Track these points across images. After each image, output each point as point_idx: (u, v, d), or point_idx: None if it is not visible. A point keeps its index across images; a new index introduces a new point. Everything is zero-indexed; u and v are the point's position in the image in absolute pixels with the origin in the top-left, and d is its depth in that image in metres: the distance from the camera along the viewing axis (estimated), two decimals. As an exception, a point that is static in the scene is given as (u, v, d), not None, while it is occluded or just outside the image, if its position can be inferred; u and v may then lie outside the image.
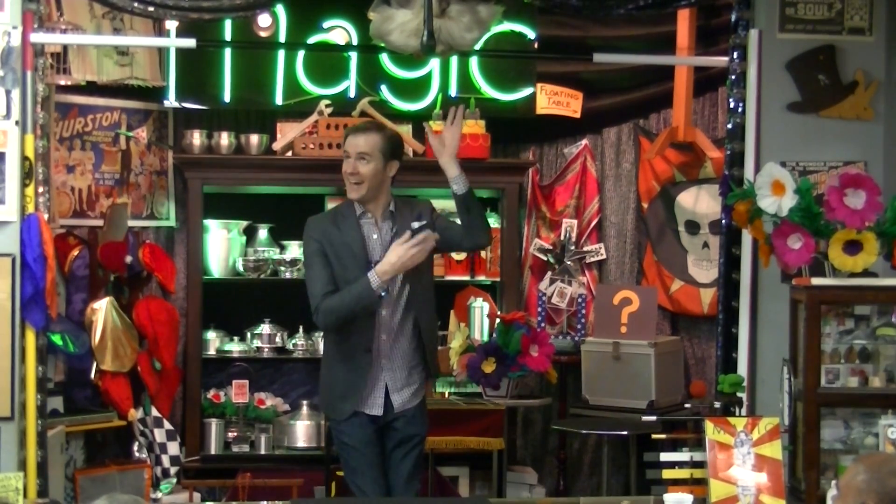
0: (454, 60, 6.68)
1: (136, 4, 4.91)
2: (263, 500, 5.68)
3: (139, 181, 6.59)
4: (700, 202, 6.84)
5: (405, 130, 6.68)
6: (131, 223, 6.40)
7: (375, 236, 4.72)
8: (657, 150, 6.70)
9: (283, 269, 6.70)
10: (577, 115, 6.92)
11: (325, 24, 6.57)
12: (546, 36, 6.73)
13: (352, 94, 6.65)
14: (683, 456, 4.26)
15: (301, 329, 6.68)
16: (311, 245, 4.72)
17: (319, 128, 6.52)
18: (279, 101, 6.63)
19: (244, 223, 6.74)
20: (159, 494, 6.05)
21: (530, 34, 6.70)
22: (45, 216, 4.91)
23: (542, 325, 6.71)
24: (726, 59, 5.32)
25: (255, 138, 6.59)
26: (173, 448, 6.12)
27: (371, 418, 4.70)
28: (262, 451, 6.50)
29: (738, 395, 4.65)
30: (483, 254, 6.85)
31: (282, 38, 6.52)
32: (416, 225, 4.62)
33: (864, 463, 3.05)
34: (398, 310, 4.69)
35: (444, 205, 6.98)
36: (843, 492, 3.03)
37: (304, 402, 6.58)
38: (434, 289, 4.85)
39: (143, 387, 6.21)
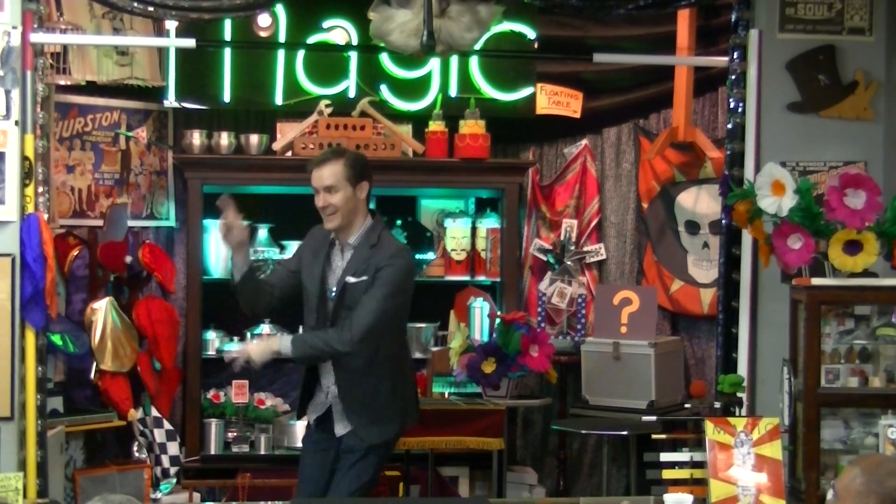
0: (454, 60, 6.68)
1: (136, 4, 4.92)
2: (263, 500, 5.68)
3: (139, 181, 6.59)
4: (700, 202, 6.83)
5: (405, 130, 6.68)
6: (131, 223, 6.40)
7: (338, 262, 4.81)
8: (657, 150, 6.69)
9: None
10: (577, 115, 6.91)
11: (325, 24, 6.57)
12: (546, 36, 6.73)
13: (352, 94, 6.65)
14: (683, 456, 4.26)
15: (301, 330, 6.66)
16: (299, 248, 5.02)
17: (319, 128, 6.52)
18: (279, 101, 6.63)
19: (244, 223, 6.73)
20: (159, 494, 6.05)
21: (530, 34, 6.70)
22: (45, 216, 4.92)
23: (542, 325, 6.71)
24: (726, 59, 5.32)
25: (254, 138, 6.59)
26: (173, 448, 6.12)
27: None
28: (262, 452, 6.50)
29: (738, 395, 4.65)
30: (483, 254, 6.85)
31: (282, 38, 6.52)
32: (351, 280, 4.70)
33: (860, 465, 3.05)
34: None
35: (445, 205, 7.03)
36: (842, 495, 3.03)
37: (304, 403, 6.57)
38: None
39: (143, 387, 6.21)
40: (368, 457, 4.74)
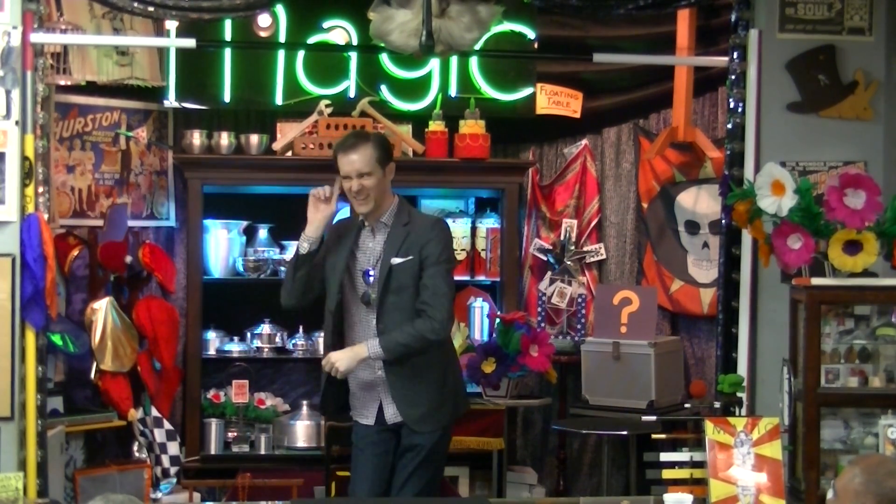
0: (454, 60, 6.68)
1: (136, 4, 4.92)
2: (263, 500, 5.67)
3: (139, 181, 6.59)
4: (700, 202, 6.83)
5: (405, 130, 6.68)
6: (131, 223, 6.41)
7: (370, 244, 4.81)
8: (657, 150, 6.69)
9: (283, 269, 6.69)
10: (577, 115, 6.91)
11: (325, 24, 6.57)
12: (546, 36, 6.73)
13: (352, 94, 6.65)
14: (683, 456, 4.26)
15: (301, 329, 6.68)
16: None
17: (319, 128, 6.52)
18: (279, 101, 6.63)
19: (244, 223, 6.74)
20: (159, 494, 6.05)
21: (530, 34, 6.70)
22: (45, 216, 4.92)
23: (542, 325, 6.71)
24: (726, 59, 5.32)
25: (255, 138, 6.59)
26: (173, 448, 6.12)
27: None
28: (262, 451, 6.49)
29: (738, 395, 4.65)
30: (483, 254, 6.85)
31: (282, 38, 6.52)
32: (397, 261, 4.69)
33: (859, 465, 3.05)
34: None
35: (444, 205, 7.03)
36: (841, 495, 3.04)
37: (304, 402, 6.57)
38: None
39: (143, 387, 6.21)
40: (429, 453, 4.75)
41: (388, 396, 4.78)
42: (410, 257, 4.71)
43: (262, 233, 6.76)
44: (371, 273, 4.76)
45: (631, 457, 6.02)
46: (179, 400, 6.57)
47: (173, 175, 6.72)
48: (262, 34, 6.47)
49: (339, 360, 4.69)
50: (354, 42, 6.54)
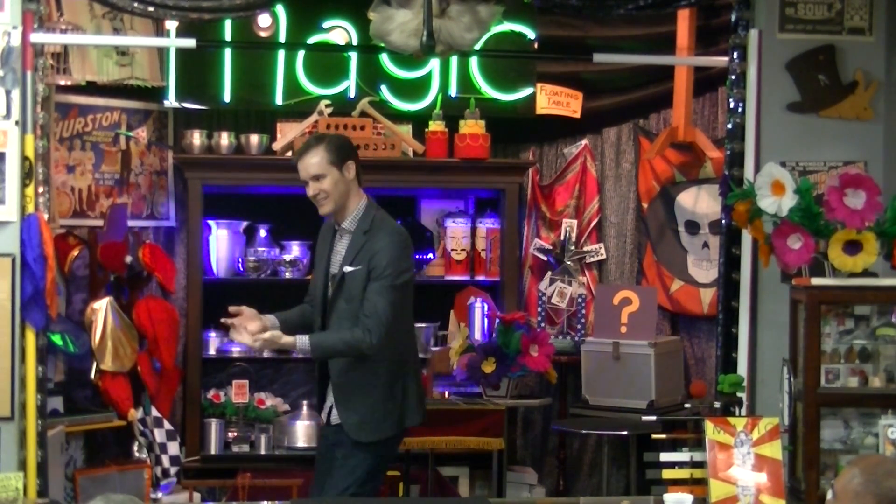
0: (454, 60, 6.68)
1: (136, 4, 4.92)
2: (263, 500, 5.68)
3: (139, 181, 6.59)
4: (700, 202, 6.84)
5: (405, 130, 6.69)
6: (131, 223, 6.41)
7: (339, 248, 4.82)
8: (657, 150, 6.70)
9: (283, 269, 6.70)
10: (577, 115, 6.91)
11: (325, 24, 6.57)
12: (546, 36, 6.73)
13: (352, 94, 6.65)
14: (683, 456, 4.26)
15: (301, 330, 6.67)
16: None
17: (319, 128, 6.51)
18: (279, 101, 6.63)
19: (244, 223, 6.74)
20: (159, 494, 6.05)
21: (530, 34, 6.70)
22: (45, 216, 4.91)
23: (542, 325, 6.71)
24: (726, 59, 5.31)
25: (255, 138, 6.59)
26: (173, 448, 6.12)
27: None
28: (262, 452, 6.50)
29: (738, 395, 4.65)
30: (483, 254, 6.85)
31: (282, 38, 6.52)
32: (349, 269, 4.68)
33: (858, 466, 3.05)
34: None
35: (444, 205, 7.03)
36: (840, 495, 3.03)
37: (304, 403, 6.58)
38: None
39: (143, 387, 6.21)
40: (357, 454, 4.69)
41: (332, 398, 4.79)
42: (360, 267, 4.67)
43: (262, 233, 6.76)
44: (335, 277, 4.77)
45: (631, 457, 6.02)
46: (179, 400, 6.57)
47: (173, 175, 6.72)
48: (262, 34, 6.47)
49: (260, 339, 4.64)
50: (354, 42, 6.54)
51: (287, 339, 4.66)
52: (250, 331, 4.64)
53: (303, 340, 4.65)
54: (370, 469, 4.72)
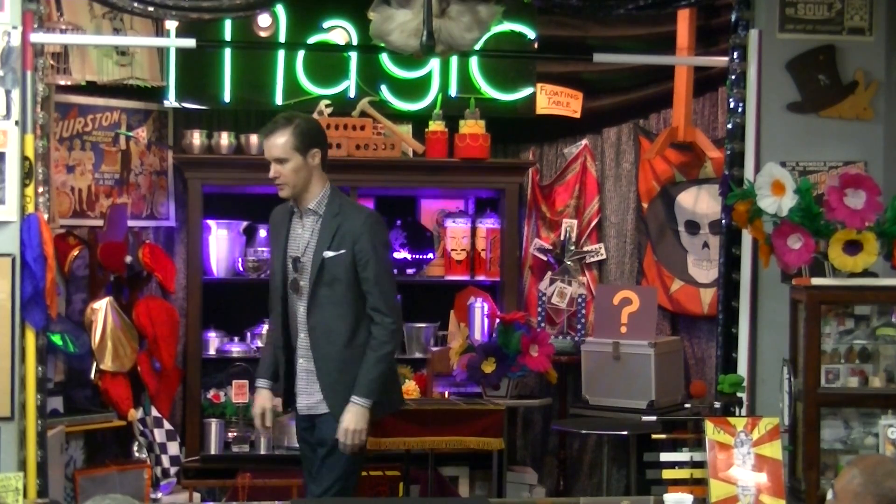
0: (454, 60, 6.68)
1: (136, 4, 4.92)
2: (263, 500, 5.67)
3: (139, 181, 6.59)
4: (700, 202, 6.84)
5: (405, 130, 6.69)
6: (131, 223, 6.41)
7: (299, 230, 4.72)
8: (657, 150, 6.70)
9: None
10: (577, 115, 6.91)
11: (325, 24, 6.57)
12: (546, 36, 6.73)
13: (352, 94, 6.65)
14: (683, 456, 4.26)
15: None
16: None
17: (319, 128, 6.51)
18: (279, 101, 6.63)
19: (244, 223, 6.74)
20: (159, 494, 6.05)
21: (530, 34, 6.70)
22: (45, 216, 4.92)
23: (542, 325, 6.71)
24: (726, 59, 5.32)
25: (255, 138, 6.58)
26: (173, 448, 6.12)
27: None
28: (262, 451, 6.50)
29: (738, 395, 4.65)
30: (483, 254, 6.85)
31: (282, 38, 6.52)
32: (329, 254, 4.60)
33: (858, 466, 3.05)
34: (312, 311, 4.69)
35: (444, 205, 7.03)
36: (840, 496, 3.04)
37: (304, 403, 6.57)
38: (350, 302, 4.68)
39: (143, 387, 6.21)
40: (334, 449, 4.66)
41: (297, 386, 4.76)
42: (343, 251, 4.60)
43: (262, 233, 6.76)
44: (301, 261, 4.67)
45: (631, 457, 6.02)
46: (179, 400, 6.57)
47: (173, 175, 6.72)
48: (262, 34, 6.47)
49: (355, 429, 4.60)
50: (354, 42, 6.54)
51: (355, 408, 4.61)
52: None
53: (357, 399, 4.59)
54: (353, 462, 4.71)
